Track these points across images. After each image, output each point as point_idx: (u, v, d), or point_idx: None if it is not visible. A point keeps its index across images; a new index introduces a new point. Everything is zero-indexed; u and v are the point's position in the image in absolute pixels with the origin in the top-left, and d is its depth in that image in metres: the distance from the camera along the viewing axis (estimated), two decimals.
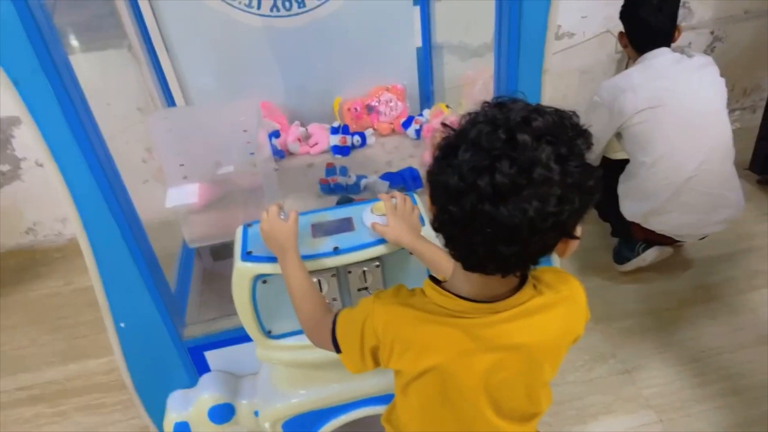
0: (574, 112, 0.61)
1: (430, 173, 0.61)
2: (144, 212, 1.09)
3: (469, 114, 0.60)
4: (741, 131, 1.71)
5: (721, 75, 1.64)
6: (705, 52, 2.29)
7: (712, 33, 2.32)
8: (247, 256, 0.91)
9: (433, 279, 0.70)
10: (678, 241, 1.78)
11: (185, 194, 1.27)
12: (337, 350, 0.77)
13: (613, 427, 1.44)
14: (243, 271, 0.91)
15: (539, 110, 0.58)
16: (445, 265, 0.83)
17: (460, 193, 0.57)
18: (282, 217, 0.88)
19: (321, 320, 0.80)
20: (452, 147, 0.59)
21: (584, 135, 0.60)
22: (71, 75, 0.85)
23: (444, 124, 0.63)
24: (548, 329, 0.68)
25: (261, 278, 0.93)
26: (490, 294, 0.66)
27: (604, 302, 1.78)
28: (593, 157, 1.71)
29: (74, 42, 1.85)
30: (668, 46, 1.62)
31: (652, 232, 1.72)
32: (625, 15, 1.65)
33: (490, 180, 0.55)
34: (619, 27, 1.68)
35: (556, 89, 2.24)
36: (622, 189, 1.72)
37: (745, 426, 1.41)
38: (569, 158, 0.56)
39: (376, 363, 0.74)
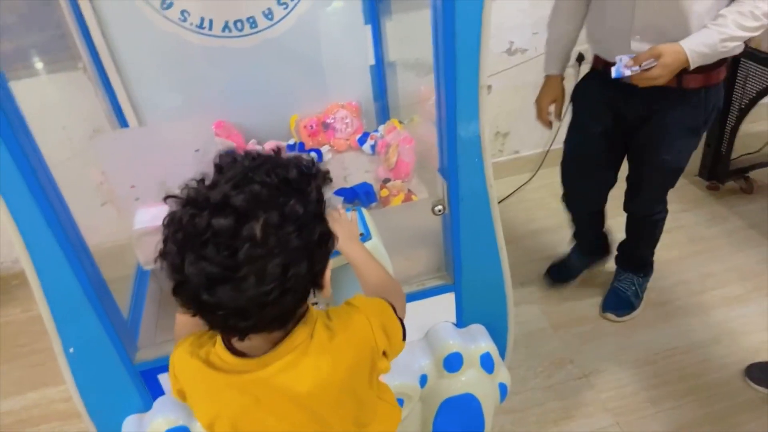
0: (298, 157, 0.62)
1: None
2: (99, 235, 1.08)
3: (185, 187, 0.59)
4: None
5: None
6: None
7: None
8: None
9: None
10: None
11: (155, 216, 1.26)
12: None
13: None
14: None
15: (243, 181, 0.57)
16: (370, 275, 0.86)
17: (179, 284, 0.57)
18: None
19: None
20: (165, 235, 0.58)
21: (315, 178, 0.61)
22: (10, 99, 0.84)
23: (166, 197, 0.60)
24: (318, 376, 0.67)
25: None
26: (261, 345, 0.66)
27: (561, 309, 1.83)
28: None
29: (29, 64, 1.84)
30: None
31: None
32: None
33: (198, 269, 0.55)
34: None
35: (512, 102, 2.30)
36: None
37: (698, 425, 1.46)
38: (283, 224, 0.56)
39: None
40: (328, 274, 0.65)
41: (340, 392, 0.70)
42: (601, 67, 1.44)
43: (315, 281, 0.63)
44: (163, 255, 0.58)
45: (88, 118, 1.85)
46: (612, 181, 1.67)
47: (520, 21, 2.14)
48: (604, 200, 1.72)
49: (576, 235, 1.88)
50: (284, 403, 0.67)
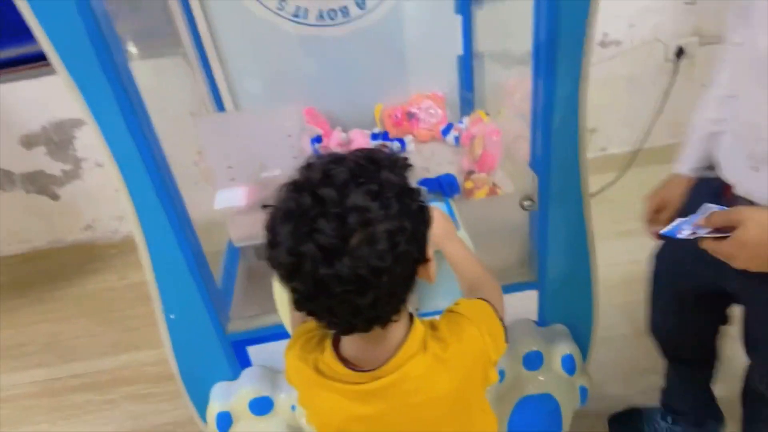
0: (381, 146, 0.64)
1: (267, 259, 0.61)
2: (194, 212, 1.15)
3: (280, 188, 0.61)
4: None
5: None
6: None
7: None
8: None
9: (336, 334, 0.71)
10: None
11: (233, 197, 1.33)
12: None
13: None
14: None
15: (339, 159, 0.61)
16: (469, 272, 0.85)
17: (295, 267, 0.58)
18: None
19: None
20: (271, 227, 0.60)
21: (396, 162, 0.63)
22: (131, 80, 0.91)
23: (264, 205, 0.62)
24: (434, 388, 0.67)
25: None
26: (371, 355, 0.66)
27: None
28: None
29: (132, 49, 1.97)
30: None
31: None
32: None
33: (314, 244, 0.56)
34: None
35: (601, 97, 2.21)
36: None
37: None
38: (382, 191, 0.58)
39: None
40: (431, 251, 0.65)
41: (453, 403, 0.70)
42: (718, 185, 0.94)
43: (420, 253, 0.63)
44: (273, 245, 0.60)
45: (184, 102, 1.96)
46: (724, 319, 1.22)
47: (616, 11, 2.04)
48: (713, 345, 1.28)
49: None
50: (395, 413, 0.68)
